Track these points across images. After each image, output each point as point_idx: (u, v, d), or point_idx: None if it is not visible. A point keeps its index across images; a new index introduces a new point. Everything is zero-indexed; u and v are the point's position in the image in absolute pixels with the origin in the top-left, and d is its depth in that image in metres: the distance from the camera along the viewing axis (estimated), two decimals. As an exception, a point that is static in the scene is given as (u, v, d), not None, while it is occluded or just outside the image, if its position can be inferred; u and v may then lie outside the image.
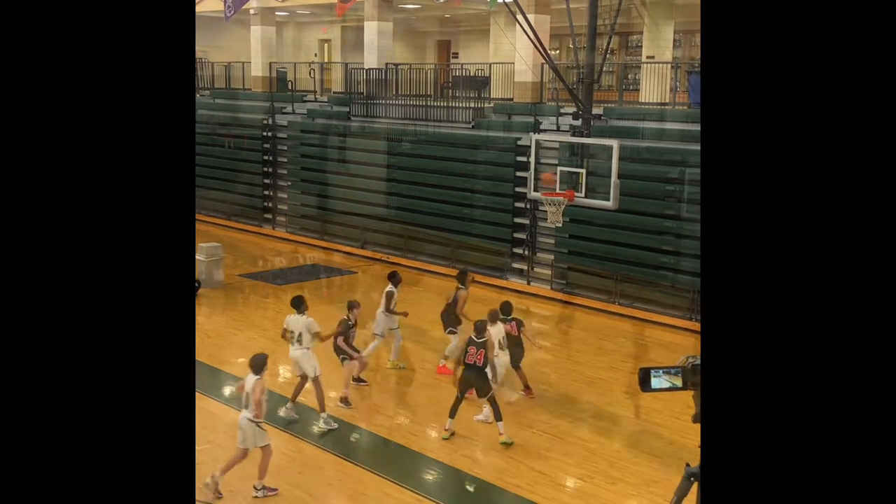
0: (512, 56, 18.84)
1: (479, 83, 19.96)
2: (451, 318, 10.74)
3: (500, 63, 19.86)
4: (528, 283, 15.68)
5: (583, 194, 10.99)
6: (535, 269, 15.72)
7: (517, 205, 15.90)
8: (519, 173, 15.79)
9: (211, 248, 16.11)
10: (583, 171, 11.18)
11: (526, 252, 15.79)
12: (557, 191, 11.34)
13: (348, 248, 18.37)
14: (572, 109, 14.41)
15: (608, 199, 10.61)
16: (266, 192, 21.86)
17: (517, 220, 16.01)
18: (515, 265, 16.08)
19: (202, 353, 11.41)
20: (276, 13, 24.03)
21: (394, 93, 19.70)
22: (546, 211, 11.82)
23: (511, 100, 18.16)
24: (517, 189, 15.76)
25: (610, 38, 13.23)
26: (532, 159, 12.08)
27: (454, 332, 10.62)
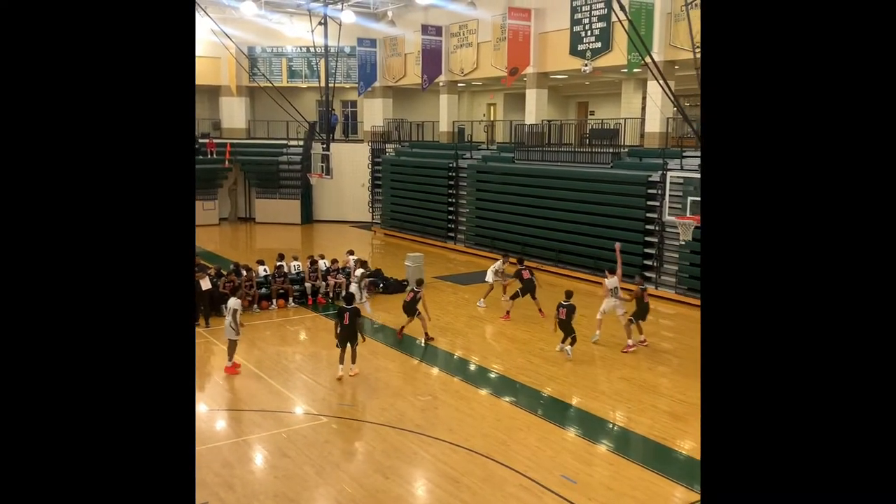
0: (638, 112, 19.47)
1: (611, 133, 20.71)
2: None
3: (630, 118, 20.46)
4: (656, 288, 16.46)
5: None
6: (662, 277, 16.35)
7: (647, 227, 16.75)
8: (649, 203, 16.57)
9: (416, 256, 17.69)
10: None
11: (654, 263, 16.47)
12: (688, 215, 12.15)
13: (512, 259, 19.14)
14: (696, 153, 14.91)
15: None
16: (450, 217, 23.66)
17: (647, 238, 16.92)
18: (646, 273, 16.58)
19: (412, 330, 13.00)
20: (458, 85, 25.98)
21: (547, 142, 21.02)
22: (677, 231, 12.53)
23: (641, 146, 18.67)
24: (647, 215, 16.53)
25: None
26: (666, 191, 12.89)
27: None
